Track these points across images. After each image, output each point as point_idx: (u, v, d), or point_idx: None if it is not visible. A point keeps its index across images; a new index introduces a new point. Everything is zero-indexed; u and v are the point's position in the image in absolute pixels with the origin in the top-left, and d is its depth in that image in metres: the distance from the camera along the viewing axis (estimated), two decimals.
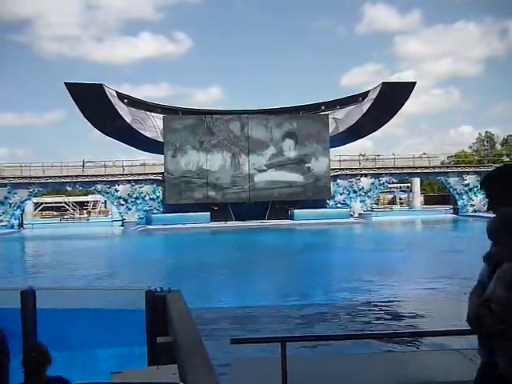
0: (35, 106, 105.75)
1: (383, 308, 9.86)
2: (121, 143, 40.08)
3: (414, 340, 6.68)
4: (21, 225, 36.85)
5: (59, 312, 5.02)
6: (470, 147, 70.46)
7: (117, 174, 37.15)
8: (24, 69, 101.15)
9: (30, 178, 36.17)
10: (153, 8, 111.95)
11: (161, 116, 36.86)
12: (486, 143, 67.36)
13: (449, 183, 39.71)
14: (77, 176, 36.90)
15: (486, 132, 70.42)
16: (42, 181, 36.34)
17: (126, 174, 37.22)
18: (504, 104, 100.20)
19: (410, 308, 9.87)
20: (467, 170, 40.32)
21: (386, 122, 40.19)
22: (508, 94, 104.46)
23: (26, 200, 36.85)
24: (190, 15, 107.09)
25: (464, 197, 39.43)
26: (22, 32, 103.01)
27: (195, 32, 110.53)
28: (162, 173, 36.17)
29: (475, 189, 39.28)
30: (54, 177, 36.53)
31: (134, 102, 37.44)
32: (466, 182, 39.37)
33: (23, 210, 37.92)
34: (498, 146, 66.97)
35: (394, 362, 4.38)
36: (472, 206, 39.22)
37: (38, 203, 52.60)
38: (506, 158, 46.96)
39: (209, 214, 34.72)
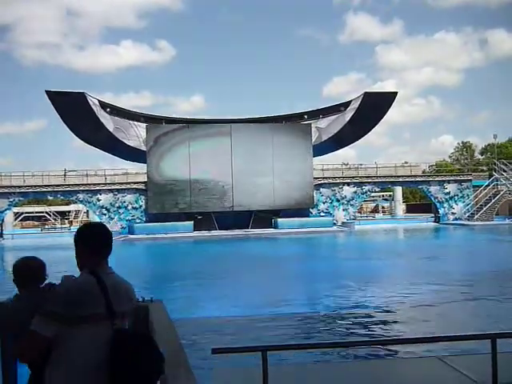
0: (15, 114, 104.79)
1: (363, 316, 9.92)
2: (103, 152, 39.82)
3: (393, 347, 6.74)
4: (0, 235, 36.26)
5: None
6: (450, 156, 71.68)
7: (99, 183, 36.83)
8: (3, 76, 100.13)
9: (10, 187, 35.67)
10: (135, 16, 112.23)
11: (144, 125, 36.72)
12: (465, 153, 68.52)
13: (430, 192, 40.21)
14: (58, 185, 36.46)
15: (464, 142, 71.75)
16: (23, 190, 35.84)
17: (109, 184, 36.93)
18: (484, 114, 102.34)
19: (390, 315, 9.94)
20: (448, 178, 40.91)
21: (368, 132, 40.66)
22: (487, 103, 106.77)
23: (5, 210, 36.27)
24: (173, 23, 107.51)
25: (445, 205, 39.95)
26: (1, 38, 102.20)
27: (178, 40, 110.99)
28: (145, 182, 35.98)
29: (456, 197, 39.88)
30: (35, 186, 36.05)
31: (116, 111, 37.27)
32: (447, 190, 39.92)
33: (3, 220, 37.34)
34: (478, 156, 68.19)
35: (374, 370, 4.42)
36: (453, 214, 39.75)
37: (18, 213, 51.83)
38: (484, 168, 47.76)
39: (192, 223, 34.59)
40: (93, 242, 2.53)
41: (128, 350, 2.31)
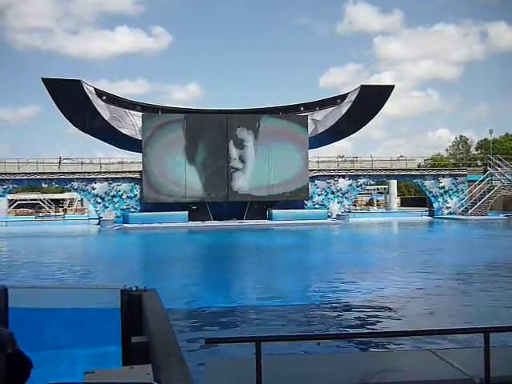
0: (9, 100, 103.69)
1: (357, 308, 9.96)
2: (98, 140, 39.60)
3: (386, 339, 6.76)
4: None
5: (32, 311, 4.93)
6: (447, 150, 71.79)
7: (94, 172, 36.70)
8: None
9: (5, 174, 35.47)
10: (131, 1, 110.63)
11: (139, 114, 36.52)
12: (461, 147, 68.66)
13: (425, 186, 40.32)
14: (53, 173, 36.31)
15: (461, 136, 71.87)
16: (17, 177, 35.66)
17: (104, 172, 36.79)
18: (480, 108, 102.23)
19: (383, 308, 9.98)
20: (443, 172, 41.02)
21: (364, 125, 40.63)
22: (485, 98, 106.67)
23: None
24: (170, 9, 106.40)
25: (439, 199, 40.08)
26: None
27: (174, 27, 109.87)
28: (140, 171, 35.85)
29: (450, 191, 40.01)
30: (30, 173, 35.89)
31: (112, 100, 37.03)
32: (442, 184, 40.04)
33: None
34: (473, 150, 68.32)
35: (367, 362, 4.43)
36: (447, 208, 39.90)
37: (12, 200, 51.57)
38: (479, 162, 47.87)
39: (187, 213, 34.54)
40: None
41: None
